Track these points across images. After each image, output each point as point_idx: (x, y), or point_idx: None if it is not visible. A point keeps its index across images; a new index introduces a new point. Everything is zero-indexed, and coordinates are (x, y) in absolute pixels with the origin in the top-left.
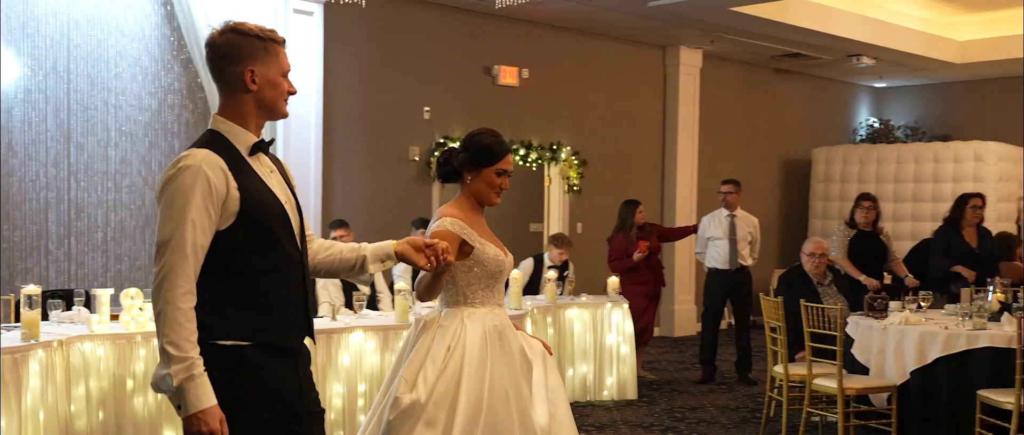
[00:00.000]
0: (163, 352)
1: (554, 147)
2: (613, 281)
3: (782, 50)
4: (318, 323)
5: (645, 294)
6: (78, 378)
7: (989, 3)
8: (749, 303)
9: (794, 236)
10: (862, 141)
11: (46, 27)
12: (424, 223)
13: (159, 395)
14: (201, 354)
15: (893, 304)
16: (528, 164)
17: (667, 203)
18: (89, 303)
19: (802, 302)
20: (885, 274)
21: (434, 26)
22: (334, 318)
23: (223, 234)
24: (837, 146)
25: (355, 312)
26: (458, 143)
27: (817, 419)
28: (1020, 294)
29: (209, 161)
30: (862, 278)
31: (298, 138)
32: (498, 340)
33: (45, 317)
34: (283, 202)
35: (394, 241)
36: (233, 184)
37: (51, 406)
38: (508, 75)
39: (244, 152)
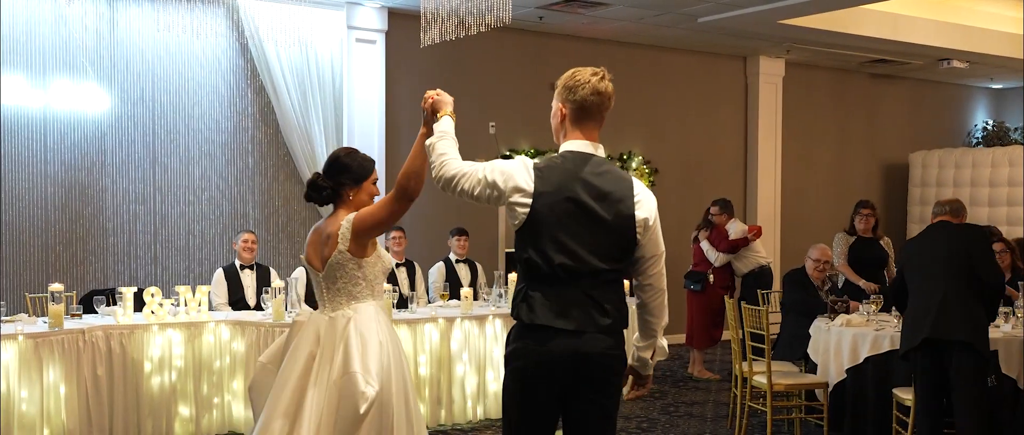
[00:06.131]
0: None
1: (624, 156)
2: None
3: (866, 57)
4: None
5: (721, 297)
6: (101, 360)
7: None
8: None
9: (893, 239)
10: (977, 144)
11: (133, 63)
12: (460, 231)
13: (172, 378)
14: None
15: (862, 307)
16: None
17: (749, 208)
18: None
19: (743, 305)
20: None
21: (494, 49)
22: None
23: None
24: (933, 150)
25: None
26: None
27: (782, 418)
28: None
29: None
30: (862, 283)
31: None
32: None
33: (93, 310)
34: None
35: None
36: None
37: (72, 383)
38: None
39: None
